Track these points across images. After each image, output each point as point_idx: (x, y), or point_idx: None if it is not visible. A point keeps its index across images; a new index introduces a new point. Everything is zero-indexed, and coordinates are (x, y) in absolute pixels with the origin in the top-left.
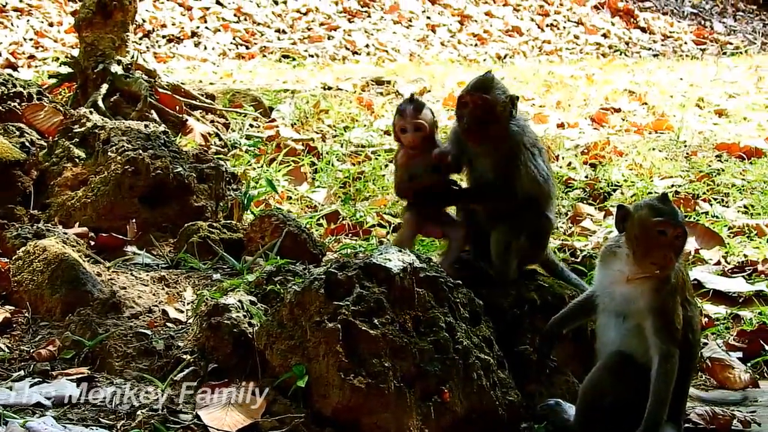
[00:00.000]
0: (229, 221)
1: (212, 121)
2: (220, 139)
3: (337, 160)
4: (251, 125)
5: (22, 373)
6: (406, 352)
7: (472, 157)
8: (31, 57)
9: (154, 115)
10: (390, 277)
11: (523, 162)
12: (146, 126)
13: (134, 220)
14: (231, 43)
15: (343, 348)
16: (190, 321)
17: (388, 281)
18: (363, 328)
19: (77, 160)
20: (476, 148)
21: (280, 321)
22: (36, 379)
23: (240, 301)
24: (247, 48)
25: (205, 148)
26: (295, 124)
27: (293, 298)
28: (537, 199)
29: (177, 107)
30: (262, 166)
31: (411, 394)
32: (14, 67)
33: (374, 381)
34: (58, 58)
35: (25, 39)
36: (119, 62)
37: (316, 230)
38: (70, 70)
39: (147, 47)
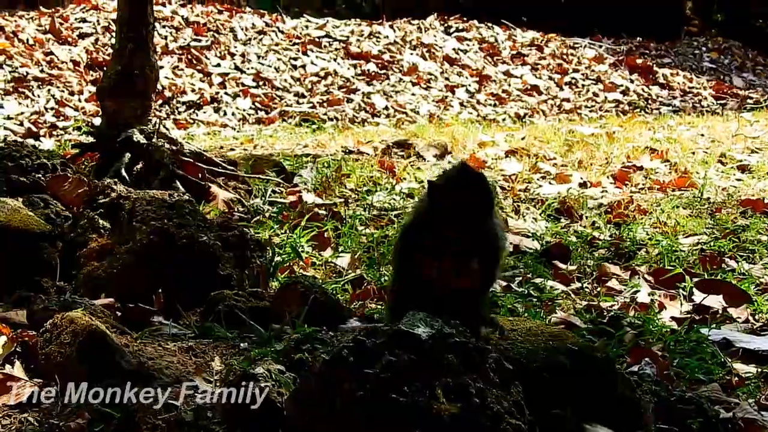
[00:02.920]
0: (255, 289)
1: (235, 188)
2: (243, 205)
3: (360, 224)
4: (273, 191)
5: None
6: (437, 419)
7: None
8: (53, 126)
9: (178, 184)
10: (419, 343)
11: (502, 247)
12: (170, 195)
13: (160, 291)
14: (250, 107)
15: (374, 416)
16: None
17: (417, 349)
18: (393, 395)
19: (102, 231)
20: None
21: (309, 389)
22: None
23: (268, 370)
24: (267, 113)
25: (229, 216)
26: (317, 188)
27: (322, 367)
28: None
29: (200, 174)
30: (285, 233)
31: None
32: (36, 137)
33: None
34: (80, 127)
35: (46, 108)
36: (141, 131)
37: (342, 295)
38: (92, 139)
39: (167, 114)
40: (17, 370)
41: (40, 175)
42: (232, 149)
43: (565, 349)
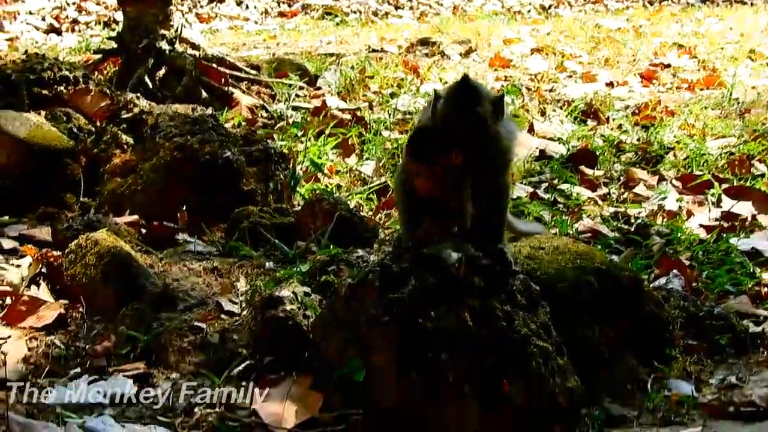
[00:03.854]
0: (279, 204)
1: (258, 93)
2: (267, 111)
3: (385, 128)
4: (297, 95)
5: (78, 370)
6: (463, 344)
7: None
8: (74, 21)
9: (201, 90)
10: (445, 267)
11: (510, 157)
12: (194, 110)
13: (184, 208)
14: (273, 1)
15: (400, 342)
16: (244, 313)
17: (444, 272)
18: (420, 321)
19: (126, 146)
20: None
21: (335, 314)
22: (92, 377)
23: (294, 292)
24: (289, 5)
25: (252, 129)
26: (341, 92)
27: (347, 291)
28: None
29: (222, 80)
30: (309, 140)
31: (469, 387)
32: (58, 32)
33: (432, 375)
34: (100, 22)
35: (68, 3)
36: (164, 37)
37: (367, 205)
38: (114, 45)
39: (189, 8)
40: (43, 291)
41: (62, 88)
42: (255, 47)
43: (592, 269)
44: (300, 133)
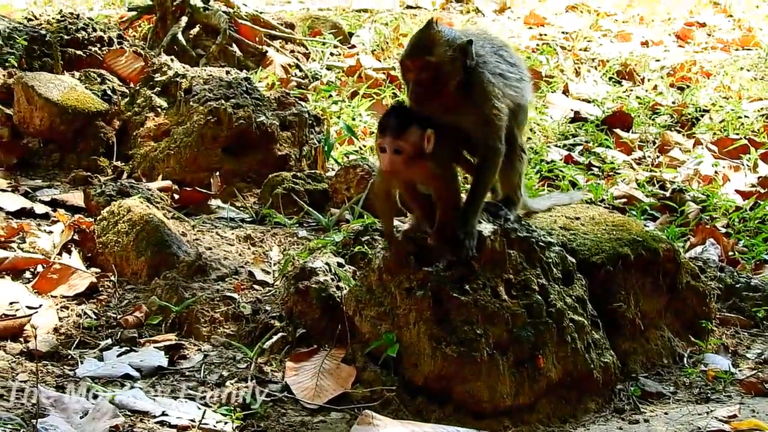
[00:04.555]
0: (313, 171)
1: (292, 51)
2: (301, 70)
3: None
4: (331, 53)
5: (109, 341)
6: (498, 317)
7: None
8: None
9: (234, 48)
10: (481, 240)
11: (495, 107)
12: (228, 73)
13: (218, 173)
14: None
15: (434, 315)
16: (277, 284)
17: (479, 244)
18: (454, 294)
19: (159, 109)
20: (438, 113)
21: (368, 287)
22: (123, 348)
23: (327, 263)
24: None
25: (287, 91)
26: (375, 50)
27: (381, 263)
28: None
29: (257, 38)
30: (344, 100)
31: (504, 361)
32: None
33: (466, 349)
34: None
35: None
36: None
37: None
38: (149, 2)
39: None
40: (74, 259)
41: (96, 49)
42: (288, 2)
43: (629, 240)
44: (334, 94)
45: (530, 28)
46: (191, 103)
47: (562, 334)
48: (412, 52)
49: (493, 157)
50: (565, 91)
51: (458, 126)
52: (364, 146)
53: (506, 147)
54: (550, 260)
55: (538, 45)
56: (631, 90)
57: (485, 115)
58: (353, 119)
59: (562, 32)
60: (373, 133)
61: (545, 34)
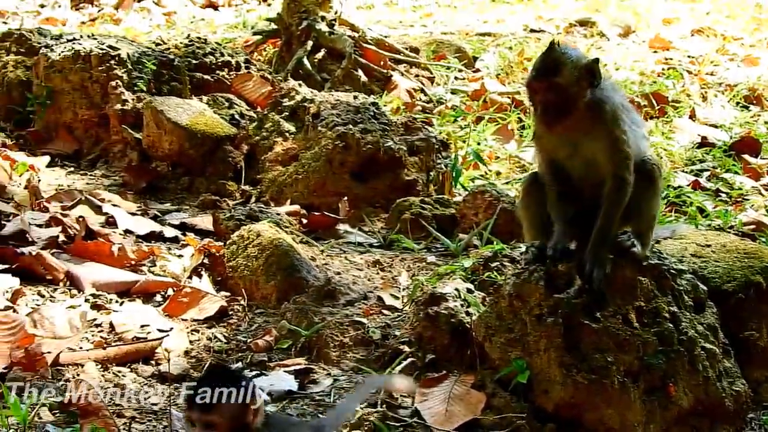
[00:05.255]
0: (440, 195)
1: (417, 76)
2: (425, 94)
3: None
4: (456, 78)
5: (239, 365)
6: (629, 345)
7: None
8: None
9: (359, 72)
10: (612, 267)
11: (623, 131)
12: (355, 98)
13: (345, 197)
14: None
15: (565, 342)
16: (406, 309)
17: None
18: (585, 321)
19: (287, 134)
20: (563, 136)
21: (498, 313)
22: (254, 372)
23: (457, 289)
24: None
25: (413, 117)
26: (499, 74)
27: (512, 290)
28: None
29: (381, 62)
30: (469, 125)
31: (635, 389)
32: (215, 7)
33: (597, 376)
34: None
35: None
36: (323, 18)
37: None
38: (274, 26)
39: None
40: (205, 283)
41: (224, 73)
42: (411, 26)
43: (760, 267)
44: (459, 118)
45: (655, 52)
46: (319, 128)
47: (693, 363)
48: (539, 74)
49: (622, 187)
50: (692, 116)
51: (585, 156)
52: (490, 171)
53: (644, 184)
54: (682, 288)
55: (663, 69)
56: (759, 115)
57: (614, 137)
58: (478, 144)
59: (688, 56)
60: (498, 158)
61: (671, 58)
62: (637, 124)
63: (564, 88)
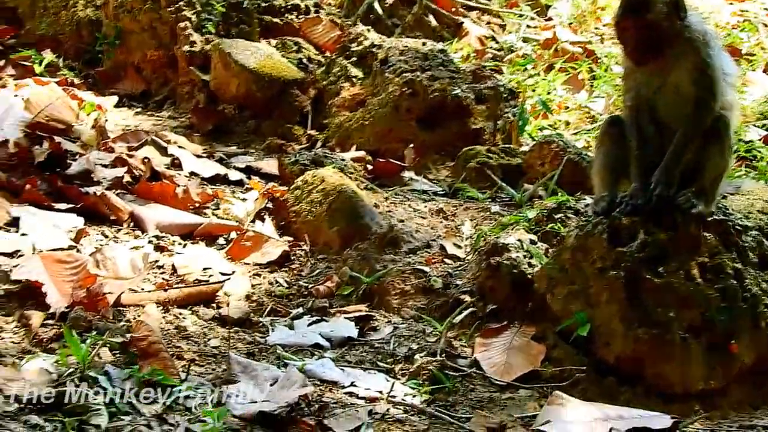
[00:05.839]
0: (507, 145)
1: (488, 23)
2: (496, 42)
3: (616, 64)
4: (528, 26)
5: (300, 310)
6: (692, 300)
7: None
8: None
9: (430, 18)
10: (676, 223)
11: (711, 57)
12: (424, 44)
13: (411, 145)
14: None
15: (627, 296)
16: (469, 258)
17: (675, 227)
18: (647, 276)
19: (354, 80)
20: (653, 70)
21: (561, 265)
22: (314, 317)
23: (520, 240)
24: None
25: (482, 65)
26: (572, 23)
27: (574, 242)
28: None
29: (453, 9)
30: (539, 74)
31: (697, 345)
32: None
33: (659, 331)
34: None
35: None
36: None
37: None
38: None
39: None
40: (268, 227)
41: (293, 17)
42: None
43: None
44: (530, 67)
45: (731, 3)
46: (387, 74)
47: (756, 320)
48: (629, 11)
49: (704, 110)
50: (766, 70)
51: (673, 85)
52: (559, 121)
53: (712, 141)
54: (747, 244)
55: (738, 22)
56: None
57: (700, 60)
58: (548, 93)
59: (764, 8)
60: (567, 108)
61: (746, 10)
62: (727, 68)
63: (655, 24)
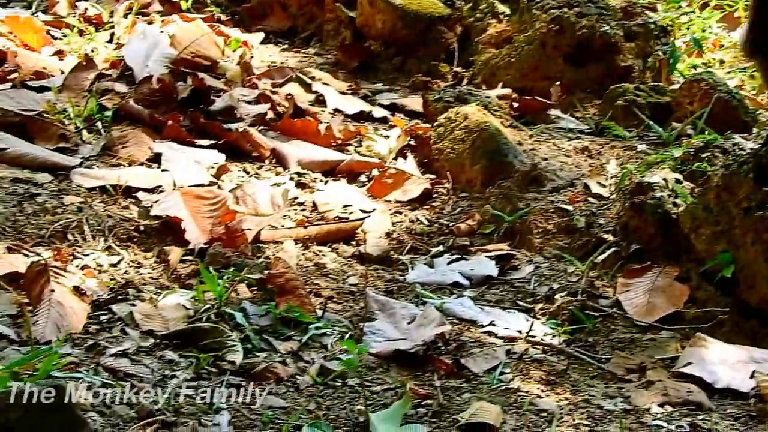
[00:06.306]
0: (656, 83)
1: None
2: None
3: None
4: None
5: (440, 248)
6: None
7: None
8: None
9: None
10: None
11: None
12: None
13: (558, 82)
14: None
15: None
16: (613, 197)
17: None
18: None
19: (501, 16)
20: None
21: (705, 205)
22: (454, 256)
23: (665, 179)
24: None
25: (634, 1)
26: None
27: (719, 181)
28: None
29: None
30: (693, 11)
31: None
32: None
33: None
34: None
35: None
36: None
37: (749, 83)
38: None
39: None
40: (410, 164)
41: None
42: None
43: None
44: (684, 4)
45: None
46: (534, 11)
47: None
48: None
49: None
50: None
51: None
52: (713, 59)
53: None
54: None
55: None
56: None
57: None
58: (702, 31)
59: None
60: (722, 46)
61: None
62: None
63: None
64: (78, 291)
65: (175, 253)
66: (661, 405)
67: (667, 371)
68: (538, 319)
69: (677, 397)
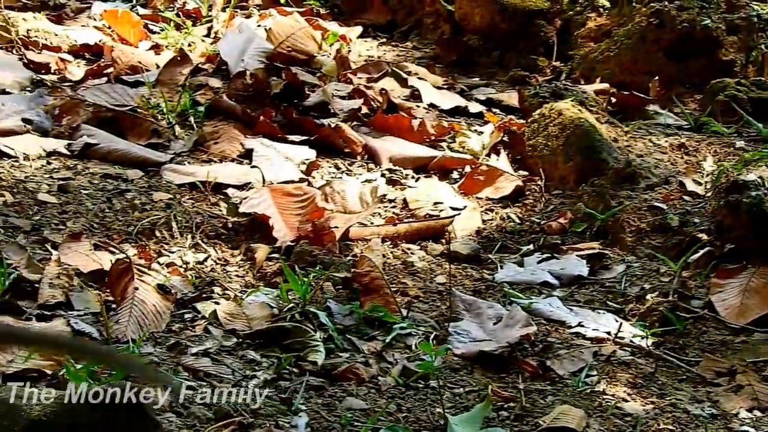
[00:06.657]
0: (758, 78)
1: None
2: None
3: None
4: None
5: (531, 247)
6: None
7: None
8: None
9: None
10: None
11: None
12: None
13: (657, 77)
14: None
15: None
16: (708, 195)
17: None
18: None
19: (601, 10)
20: None
21: None
22: (545, 255)
23: (761, 177)
24: None
25: None
26: None
27: None
28: None
29: None
30: None
31: None
32: None
33: None
34: None
35: None
36: None
37: None
38: None
39: None
40: (502, 161)
41: None
42: None
43: None
44: None
45: None
46: (634, 4)
47: None
48: None
49: None
50: None
51: None
52: None
53: None
54: None
55: None
56: None
57: None
58: None
59: None
60: None
61: None
62: None
63: None
64: (162, 289)
65: (261, 250)
66: (749, 410)
67: (758, 375)
68: (628, 320)
69: (767, 402)
